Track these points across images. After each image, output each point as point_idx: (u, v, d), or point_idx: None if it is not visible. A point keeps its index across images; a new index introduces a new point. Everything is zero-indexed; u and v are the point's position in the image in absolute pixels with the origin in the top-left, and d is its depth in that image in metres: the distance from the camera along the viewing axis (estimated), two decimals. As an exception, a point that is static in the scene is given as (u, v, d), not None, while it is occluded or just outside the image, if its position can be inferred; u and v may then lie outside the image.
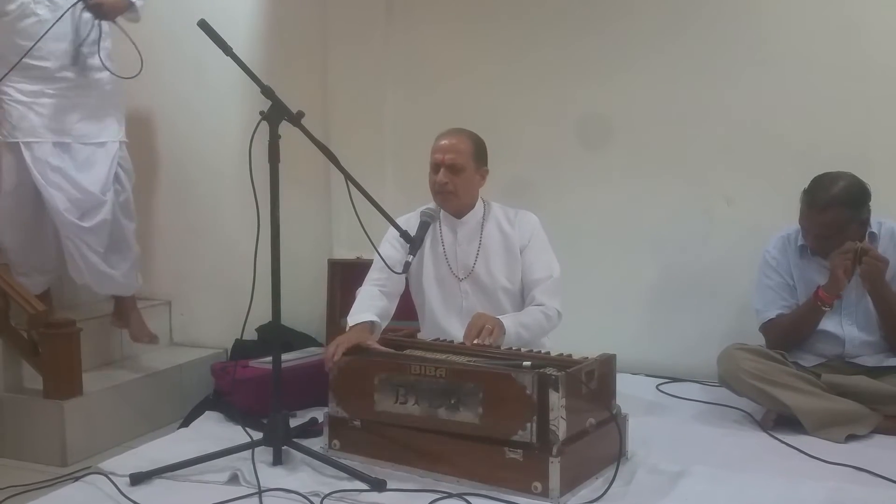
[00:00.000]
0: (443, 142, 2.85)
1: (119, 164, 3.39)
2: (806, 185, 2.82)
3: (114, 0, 3.22)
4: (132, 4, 3.27)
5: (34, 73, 3.14)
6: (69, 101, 3.21)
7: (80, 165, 3.24)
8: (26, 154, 3.14)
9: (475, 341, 2.58)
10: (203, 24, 2.30)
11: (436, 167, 2.84)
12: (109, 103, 3.35)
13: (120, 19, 3.30)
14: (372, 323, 2.70)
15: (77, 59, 3.18)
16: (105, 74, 3.29)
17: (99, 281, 3.33)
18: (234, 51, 2.34)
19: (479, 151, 2.90)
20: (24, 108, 3.15)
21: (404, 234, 2.68)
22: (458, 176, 2.83)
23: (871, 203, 2.78)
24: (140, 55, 3.22)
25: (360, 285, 2.91)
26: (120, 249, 3.39)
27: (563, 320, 2.88)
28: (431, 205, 2.93)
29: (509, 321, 2.71)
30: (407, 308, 3.03)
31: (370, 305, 2.76)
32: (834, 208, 2.72)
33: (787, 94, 3.31)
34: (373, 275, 2.88)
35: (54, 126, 3.18)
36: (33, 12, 3.11)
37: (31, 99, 3.15)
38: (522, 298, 2.92)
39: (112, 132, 3.36)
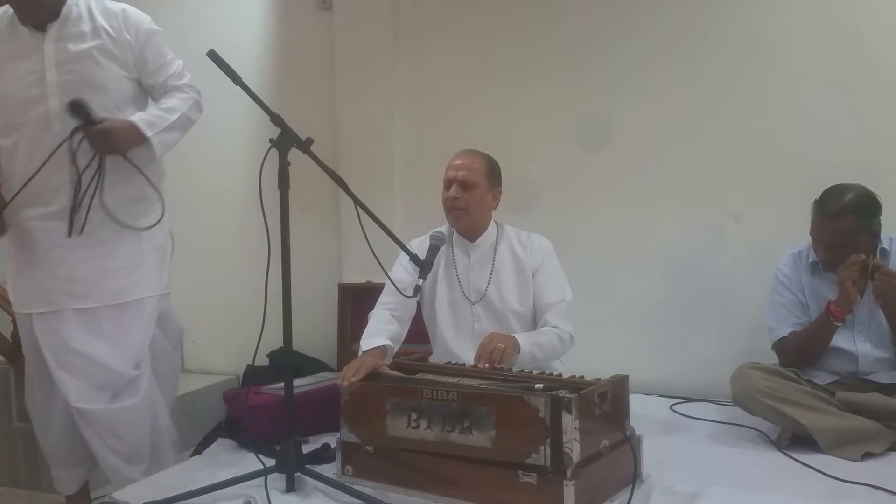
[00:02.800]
0: (456, 161, 2.90)
1: (160, 324, 2.75)
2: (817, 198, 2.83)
3: (122, 127, 2.48)
4: (146, 139, 2.53)
5: (40, 215, 2.47)
6: (90, 252, 2.53)
7: (106, 336, 2.57)
8: (38, 327, 2.49)
9: (487, 365, 2.58)
10: (212, 55, 2.32)
11: (448, 184, 2.87)
12: (146, 247, 2.68)
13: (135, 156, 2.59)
14: (384, 348, 2.70)
15: (79, 201, 2.47)
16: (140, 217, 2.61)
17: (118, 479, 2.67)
18: (243, 80, 2.37)
19: (493, 171, 2.93)
20: (31, 269, 2.51)
21: (414, 258, 2.69)
22: (470, 193, 2.86)
23: (881, 217, 2.77)
24: (162, 200, 2.69)
25: (371, 309, 2.92)
26: (145, 445, 2.72)
27: (575, 340, 2.88)
28: (442, 228, 2.94)
29: (525, 339, 2.72)
30: (418, 331, 3.03)
31: (382, 329, 2.77)
32: (846, 216, 2.72)
33: (796, 112, 3.32)
34: (384, 298, 2.89)
35: (72, 288, 2.51)
36: (47, 127, 2.46)
37: (37, 258, 2.48)
38: (534, 322, 2.92)
39: (149, 284, 2.68)
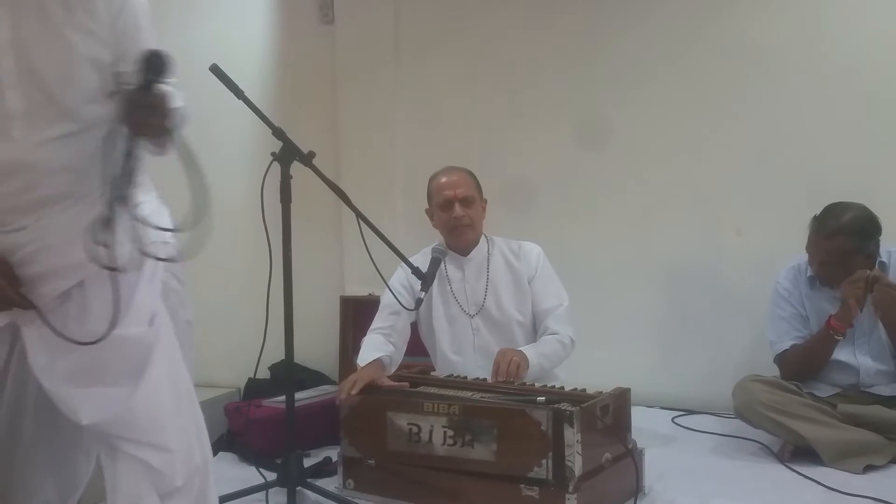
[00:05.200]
0: (447, 179, 2.90)
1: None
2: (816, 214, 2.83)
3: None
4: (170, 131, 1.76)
5: None
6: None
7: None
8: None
9: (507, 379, 2.58)
10: (215, 69, 2.33)
11: (447, 204, 2.87)
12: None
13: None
14: (382, 360, 2.70)
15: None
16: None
17: None
18: (245, 94, 2.37)
19: (478, 183, 2.97)
20: None
21: (416, 271, 2.69)
22: (471, 208, 2.89)
23: (881, 237, 2.78)
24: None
25: (373, 322, 2.90)
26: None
27: (576, 354, 2.89)
28: (437, 243, 2.95)
29: (532, 353, 2.73)
30: (420, 344, 3.03)
31: (378, 349, 2.75)
32: (841, 237, 2.73)
33: (797, 127, 3.33)
34: (377, 323, 2.86)
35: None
36: (4, 131, 1.66)
37: None
38: (534, 330, 2.92)
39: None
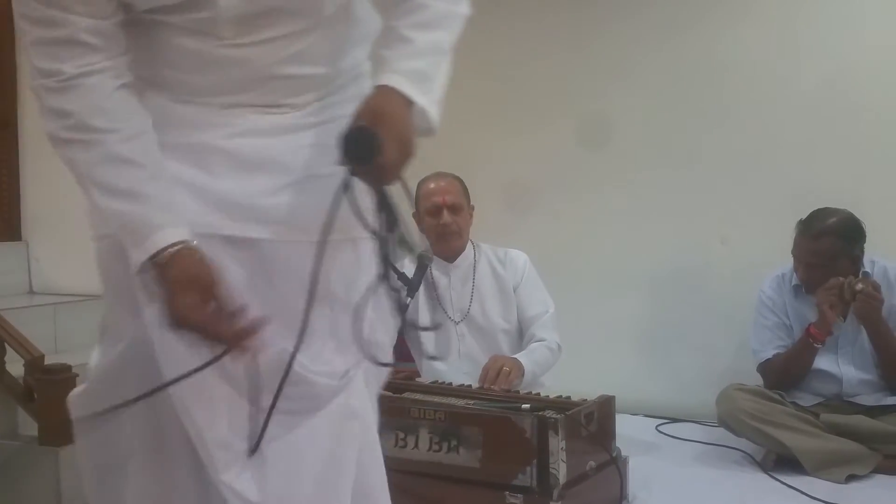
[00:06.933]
0: (435, 185, 2.89)
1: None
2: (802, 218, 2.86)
3: (393, 111, 1.28)
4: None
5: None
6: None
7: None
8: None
9: (498, 386, 2.58)
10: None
11: (435, 211, 2.87)
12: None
13: None
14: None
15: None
16: None
17: None
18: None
19: (466, 190, 2.96)
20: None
21: (402, 276, 2.68)
22: (459, 215, 2.88)
23: (865, 244, 2.80)
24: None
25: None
26: None
27: (561, 361, 2.89)
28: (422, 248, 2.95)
29: (525, 360, 2.73)
30: (405, 350, 3.02)
31: None
32: (827, 237, 2.75)
33: (781, 135, 3.35)
34: None
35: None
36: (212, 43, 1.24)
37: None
38: (520, 338, 2.92)
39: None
